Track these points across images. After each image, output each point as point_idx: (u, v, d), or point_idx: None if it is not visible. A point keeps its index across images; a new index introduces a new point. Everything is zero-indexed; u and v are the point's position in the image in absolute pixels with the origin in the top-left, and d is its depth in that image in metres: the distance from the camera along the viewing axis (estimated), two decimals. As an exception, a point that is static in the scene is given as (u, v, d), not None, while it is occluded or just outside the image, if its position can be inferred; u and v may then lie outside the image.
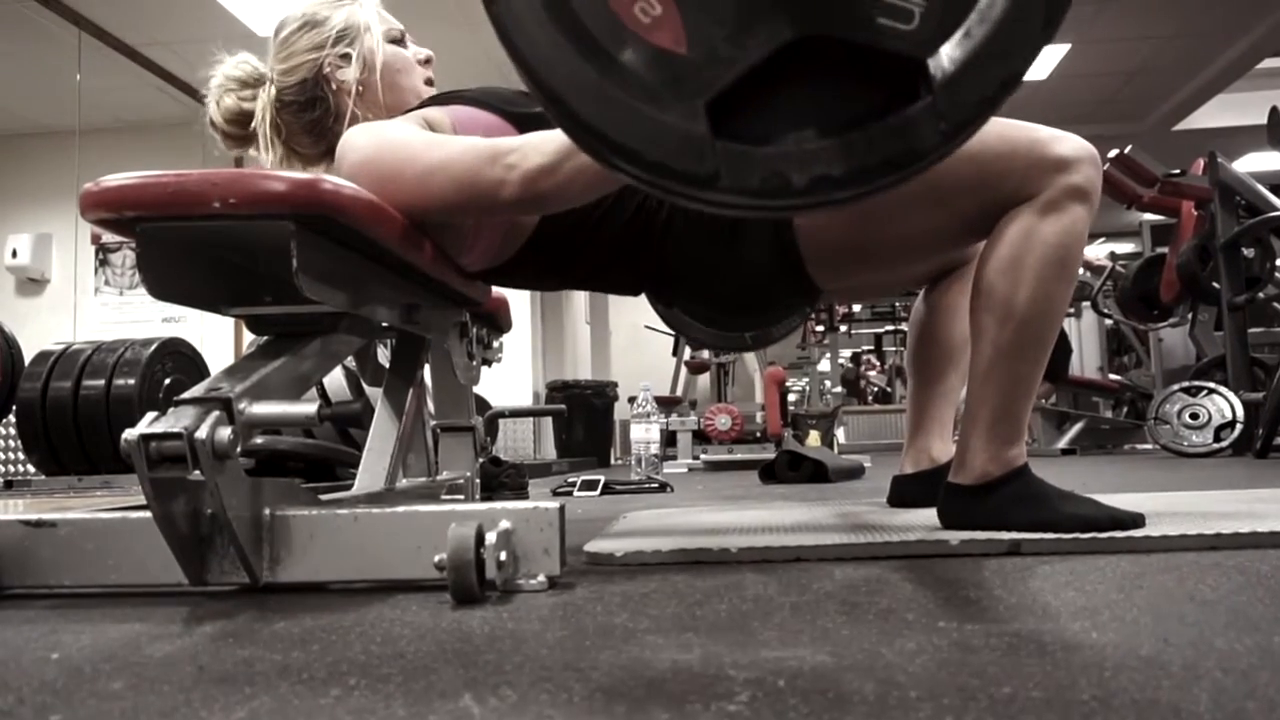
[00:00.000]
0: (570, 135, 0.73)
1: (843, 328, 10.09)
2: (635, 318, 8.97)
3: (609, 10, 0.69)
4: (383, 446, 1.45)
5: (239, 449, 0.98)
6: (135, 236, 1.05)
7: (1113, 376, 6.94)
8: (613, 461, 7.49)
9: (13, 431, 5.02)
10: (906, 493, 1.69)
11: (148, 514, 0.99)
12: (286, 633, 0.84)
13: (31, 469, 4.96)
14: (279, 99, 1.44)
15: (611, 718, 0.56)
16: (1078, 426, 6.24)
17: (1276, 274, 4.59)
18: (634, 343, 9.25)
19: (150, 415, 0.97)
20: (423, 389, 1.59)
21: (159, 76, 6.25)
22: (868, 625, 0.78)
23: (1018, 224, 1.28)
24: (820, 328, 8.39)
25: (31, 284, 7.16)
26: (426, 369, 1.62)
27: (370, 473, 1.43)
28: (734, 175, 0.69)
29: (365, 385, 1.66)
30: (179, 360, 4.84)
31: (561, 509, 1.03)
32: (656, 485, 3.32)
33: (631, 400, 4.28)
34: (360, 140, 1.26)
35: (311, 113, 1.45)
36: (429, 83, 1.52)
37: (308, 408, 1.03)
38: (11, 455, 5.59)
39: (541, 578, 1.02)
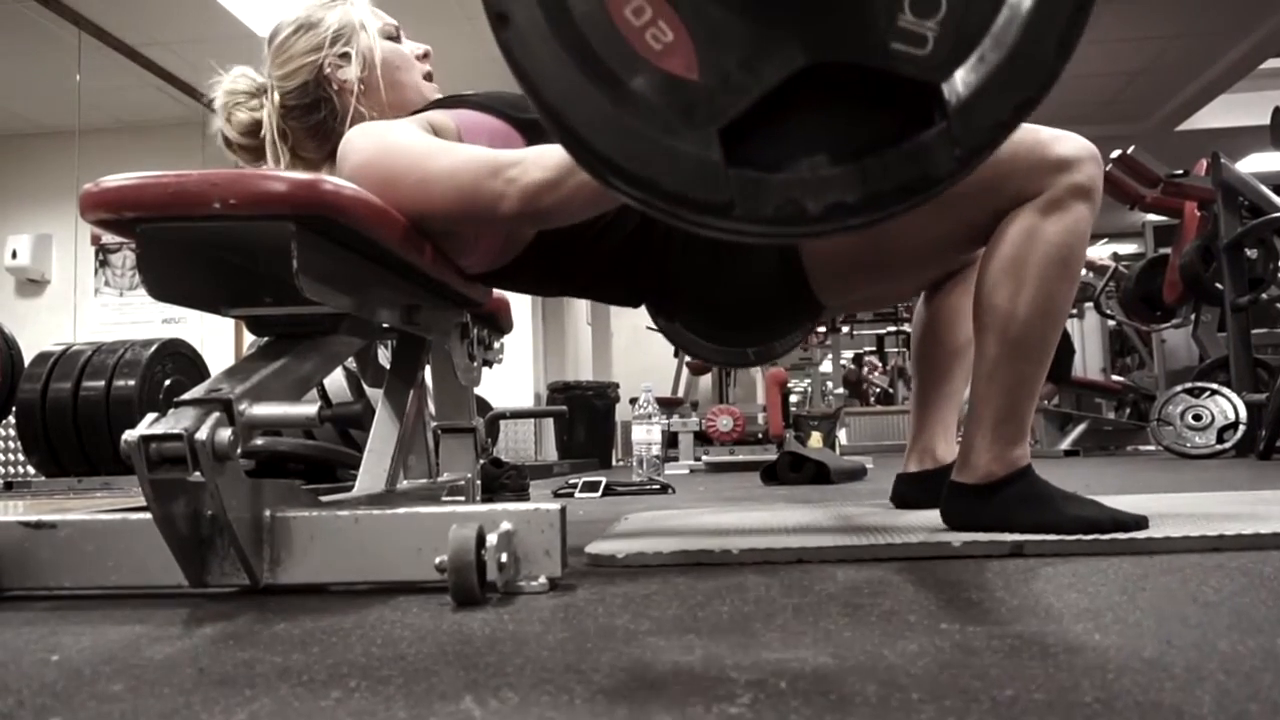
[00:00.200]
0: (582, 164, 0.72)
1: (844, 329, 10.09)
2: (637, 319, 8.95)
3: (620, 37, 0.68)
4: (383, 448, 1.45)
5: (239, 450, 0.97)
6: (135, 237, 1.05)
7: (1115, 378, 6.94)
8: (614, 463, 7.49)
9: (12, 433, 5.02)
10: (910, 492, 1.69)
11: (148, 515, 0.99)
12: (287, 634, 0.83)
13: (31, 470, 4.95)
14: (282, 105, 1.43)
15: (612, 720, 0.56)
16: (1080, 428, 6.23)
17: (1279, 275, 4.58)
18: (635, 344, 9.26)
19: (150, 416, 0.96)
20: (423, 390, 1.59)
21: (159, 76, 6.25)
22: (870, 627, 0.78)
23: (1020, 224, 1.28)
24: (822, 329, 8.39)
25: (31, 285, 7.15)
26: (427, 370, 1.62)
27: (371, 474, 1.43)
28: (748, 204, 0.68)
29: (366, 386, 1.67)
30: (179, 361, 4.84)
31: (563, 510, 1.03)
32: (658, 487, 3.32)
33: (633, 401, 4.27)
34: (361, 142, 1.26)
35: (315, 115, 1.44)
36: (428, 77, 1.52)
37: (308, 409, 1.03)
38: (11, 456, 5.58)
39: (543, 579, 1.01)
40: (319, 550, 1.04)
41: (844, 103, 0.70)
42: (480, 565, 0.95)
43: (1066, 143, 1.29)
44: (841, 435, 7.38)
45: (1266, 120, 4.93)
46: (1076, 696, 0.56)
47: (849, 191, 0.69)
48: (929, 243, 1.41)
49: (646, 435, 3.88)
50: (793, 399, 7.20)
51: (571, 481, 3.31)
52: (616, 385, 7.55)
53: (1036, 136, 1.29)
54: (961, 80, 0.67)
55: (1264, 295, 4.52)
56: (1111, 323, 6.61)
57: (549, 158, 1.15)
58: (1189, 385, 4.55)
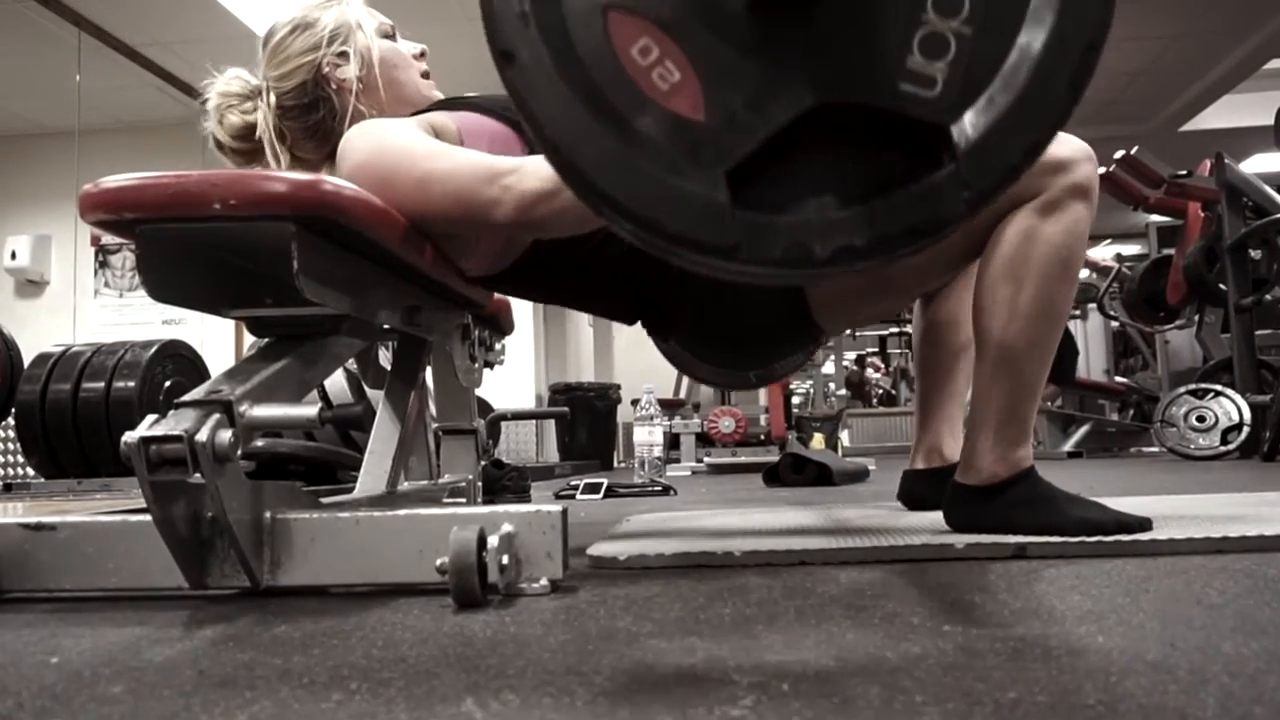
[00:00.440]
0: (585, 202, 0.71)
1: (847, 330, 10.08)
2: (638, 320, 8.95)
3: (626, 76, 0.68)
4: (384, 449, 1.45)
5: (239, 452, 0.97)
6: (135, 238, 1.04)
7: (1119, 379, 6.93)
8: (616, 464, 7.49)
9: (12, 434, 5.02)
10: (917, 489, 1.68)
11: (148, 517, 0.99)
12: (287, 637, 0.83)
13: (31, 472, 4.96)
14: (279, 105, 1.43)
15: (613, 723, 0.55)
16: (1084, 429, 6.22)
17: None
18: (637, 345, 9.22)
19: (150, 418, 0.96)
20: (424, 391, 1.59)
21: (159, 76, 6.25)
22: (873, 629, 0.78)
23: (1018, 225, 1.28)
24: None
25: (31, 286, 7.16)
26: (428, 371, 1.61)
27: (371, 475, 1.43)
28: (755, 246, 0.68)
29: (367, 388, 1.67)
30: (179, 362, 4.85)
31: (564, 512, 1.03)
32: (660, 488, 3.32)
33: (634, 403, 4.27)
34: (360, 142, 1.26)
35: (314, 115, 1.44)
36: (425, 76, 1.52)
37: (309, 410, 1.02)
38: (11, 458, 5.59)
39: (544, 581, 1.01)
40: (320, 552, 1.04)
41: (852, 143, 0.70)
42: (481, 567, 0.94)
43: (1063, 144, 1.28)
44: (844, 437, 7.38)
45: (1270, 121, 4.92)
46: (1080, 699, 0.56)
47: (857, 235, 0.68)
48: (929, 258, 1.40)
49: (648, 437, 3.88)
50: (795, 400, 7.20)
51: (573, 483, 3.31)
52: (618, 386, 7.55)
53: None
54: (971, 122, 0.67)
55: (1268, 296, 4.51)
56: (1115, 324, 6.60)
57: (547, 168, 1.15)
58: (1193, 387, 4.55)
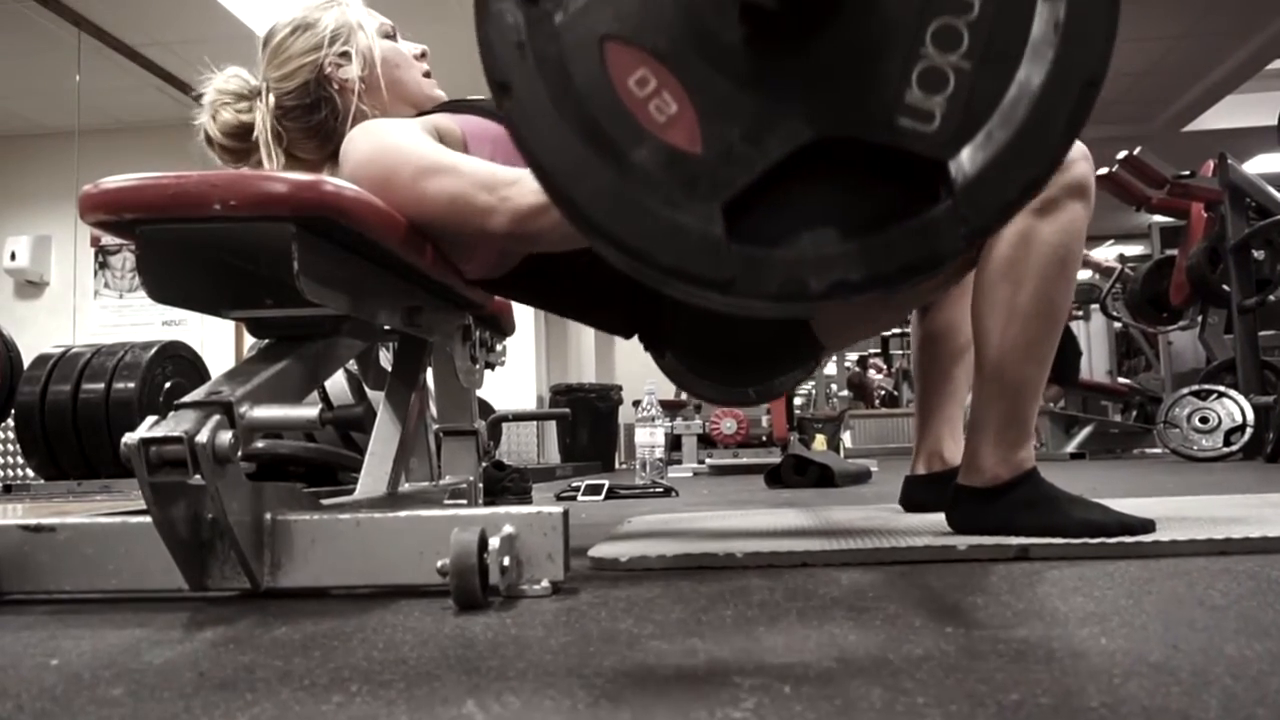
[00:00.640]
0: (581, 233, 0.70)
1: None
2: (640, 321, 8.95)
3: (623, 108, 0.67)
4: (385, 451, 1.44)
5: (240, 453, 0.97)
6: (135, 239, 1.04)
7: (1122, 380, 6.92)
8: (617, 466, 7.49)
9: (11, 435, 5.03)
10: (919, 494, 1.68)
11: (148, 519, 0.99)
12: (288, 639, 0.83)
13: (30, 473, 4.96)
14: (279, 106, 1.43)
15: (614, 725, 0.55)
16: (1087, 430, 6.21)
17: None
18: (638, 346, 9.23)
19: (150, 419, 0.96)
20: (425, 392, 1.59)
21: (159, 77, 6.25)
22: (874, 631, 0.78)
23: (1016, 225, 1.27)
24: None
25: (30, 286, 7.16)
26: (429, 372, 1.61)
27: (372, 477, 1.42)
28: (750, 281, 0.67)
29: (367, 389, 1.66)
30: (179, 363, 4.85)
31: (565, 514, 1.03)
32: (661, 490, 3.32)
33: (636, 404, 4.27)
34: (362, 141, 1.27)
35: (316, 115, 1.44)
36: (426, 76, 1.52)
37: (309, 411, 1.02)
38: (10, 460, 5.59)
39: (545, 583, 1.01)
40: (320, 554, 1.04)
41: (849, 177, 0.69)
42: (482, 569, 0.94)
43: None
44: (846, 438, 7.38)
45: (1273, 121, 4.91)
46: (1082, 701, 0.55)
47: (853, 270, 0.67)
48: None
49: (650, 438, 3.88)
50: (797, 401, 7.19)
51: (574, 484, 3.31)
52: (619, 387, 7.55)
53: None
54: (969, 158, 0.66)
55: (1271, 297, 4.50)
56: (1118, 325, 6.59)
57: None
58: (1196, 388, 4.54)
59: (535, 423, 7.29)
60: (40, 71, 6.20)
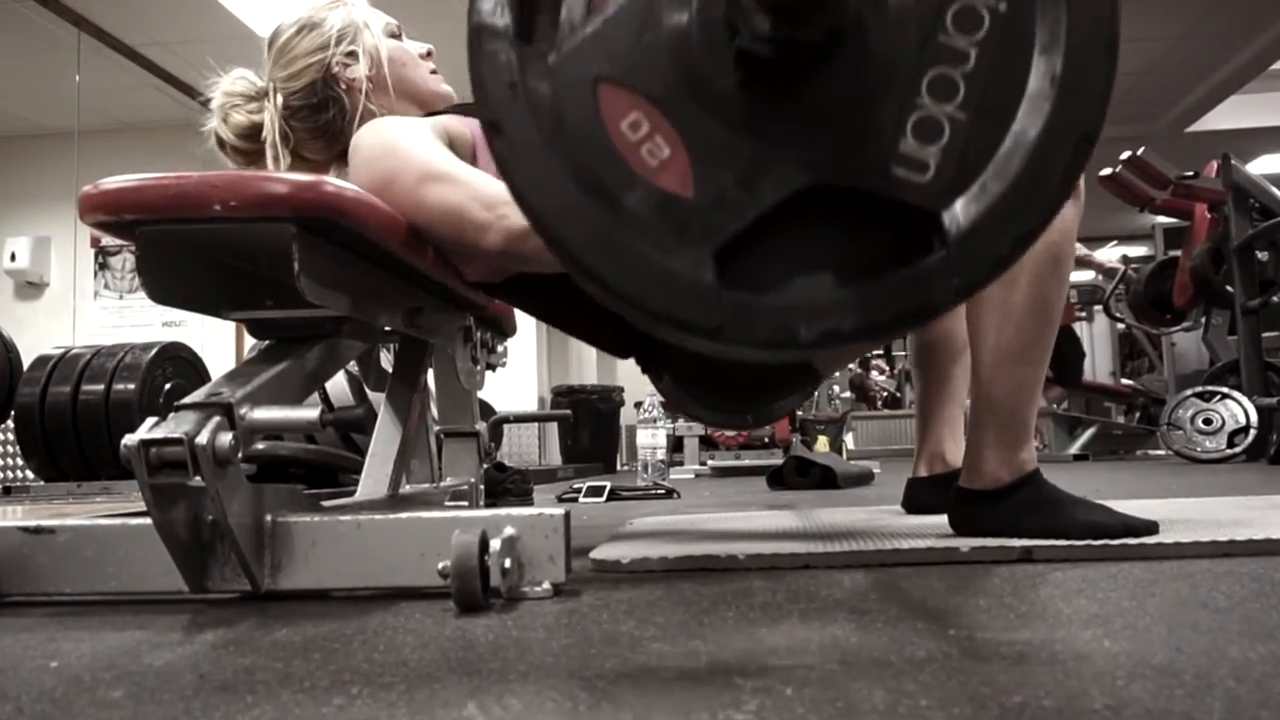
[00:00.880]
0: (572, 275, 0.70)
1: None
2: (642, 323, 8.94)
3: (615, 151, 0.67)
4: (386, 452, 1.44)
5: (240, 454, 0.97)
6: (135, 239, 1.04)
7: (1125, 381, 6.91)
8: (619, 467, 7.49)
9: (11, 437, 5.03)
10: (921, 497, 1.68)
11: (148, 520, 0.99)
12: (288, 641, 0.83)
13: (30, 475, 4.97)
14: (287, 106, 1.43)
15: (615, 728, 0.55)
16: (1090, 432, 6.20)
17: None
18: (641, 348, 9.23)
19: (150, 420, 0.96)
20: (426, 394, 1.59)
21: (159, 77, 6.26)
22: (877, 633, 0.77)
23: None
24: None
25: (30, 287, 7.16)
26: (430, 374, 1.61)
27: (373, 478, 1.42)
28: (740, 328, 0.67)
29: (368, 390, 1.66)
30: (179, 365, 4.85)
31: (567, 515, 1.02)
32: (663, 491, 3.32)
33: (638, 405, 4.26)
34: (369, 139, 1.27)
35: (323, 115, 1.44)
36: (433, 73, 1.52)
37: (310, 413, 1.02)
38: (10, 461, 5.60)
39: (546, 585, 1.01)
40: (321, 555, 1.04)
41: (841, 225, 0.68)
42: (484, 571, 0.94)
43: None
44: (848, 439, 7.37)
45: (1277, 121, 4.91)
46: (1085, 704, 0.55)
47: (844, 319, 0.67)
48: None
49: (651, 439, 3.87)
50: (799, 403, 7.18)
51: (575, 486, 3.31)
52: (621, 389, 7.54)
53: None
54: (962, 210, 0.65)
55: (1275, 298, 4.49)
56: (1121, 326, 6.59)
57: None
58: (1199, 389, 4.53)
59: (537, 424, 7.28)
60: (40, 71, 6.21)
